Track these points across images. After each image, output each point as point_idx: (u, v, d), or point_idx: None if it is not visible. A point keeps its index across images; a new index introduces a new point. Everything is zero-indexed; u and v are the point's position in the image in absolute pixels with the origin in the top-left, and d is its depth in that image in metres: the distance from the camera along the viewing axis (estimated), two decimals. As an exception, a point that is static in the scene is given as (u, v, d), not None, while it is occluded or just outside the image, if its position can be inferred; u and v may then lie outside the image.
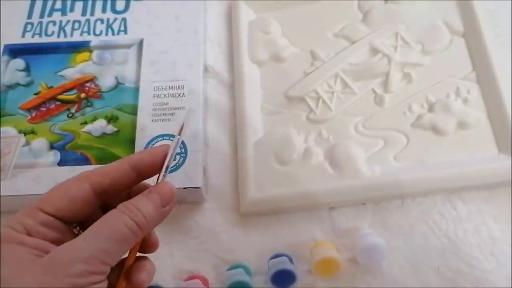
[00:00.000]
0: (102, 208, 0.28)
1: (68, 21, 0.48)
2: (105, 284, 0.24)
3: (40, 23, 0.48)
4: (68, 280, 0.23)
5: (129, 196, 0.27)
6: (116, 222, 0.24)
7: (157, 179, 0.28)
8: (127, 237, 0.25)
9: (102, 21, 0.48)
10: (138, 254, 0.28)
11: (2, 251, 0.23)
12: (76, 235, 0.26)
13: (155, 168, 0.28)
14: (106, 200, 0.27)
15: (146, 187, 0.28)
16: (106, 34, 0.47)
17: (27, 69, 0.46)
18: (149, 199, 0.26)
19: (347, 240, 0.39)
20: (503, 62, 0.42)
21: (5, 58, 0.46)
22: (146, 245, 0.28)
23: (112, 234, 0.24)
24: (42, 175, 0.41)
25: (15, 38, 0.47)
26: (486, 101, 0.42)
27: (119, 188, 0.27)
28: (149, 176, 0.28)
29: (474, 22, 0.44)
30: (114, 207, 0.26)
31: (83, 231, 0.25)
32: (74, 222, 0.27)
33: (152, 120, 0.43)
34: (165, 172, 0.28)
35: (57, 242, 0.24)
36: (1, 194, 0.40)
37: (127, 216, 0.25)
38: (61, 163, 0.41)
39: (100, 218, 0.25)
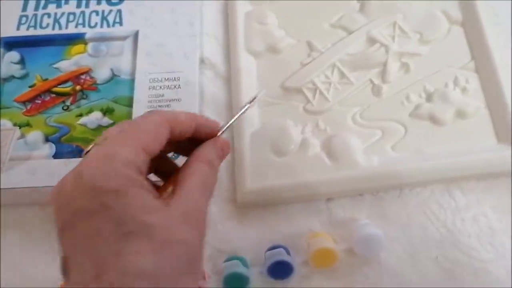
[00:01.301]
0: None
1: (63, 13, 0.48)
2: None
3: (35, 15, 0.48)
4: (202, 234, 0.25)
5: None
6: (210, 175, 0.28)
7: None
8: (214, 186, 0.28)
9: (97, 13, 0.47)
10: None
11: (136, 197, 0.24)
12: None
13: (208, 137, 0.30)
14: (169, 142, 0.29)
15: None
16: (101, 26, 0.47)
17: (22, 61, 0.45)
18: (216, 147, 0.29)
19: (345, 231, 0.39)
20: (502, 51, 0.42)
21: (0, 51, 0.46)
22: None
23: (212, 186, 0.28)
24: (38, 168, 0.40)
25: (10, 31, 0.47)
26: (485, 91, 0.41)
27: (181, 138, 0.29)
28: (201, 140, 0.30)
29: (472, 11, 0.44)
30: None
31: None
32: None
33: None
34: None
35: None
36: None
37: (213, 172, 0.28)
38: (56, 155, 0.41)
39: (192, 170, 0.27)
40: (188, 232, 0.25)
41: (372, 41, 0.45)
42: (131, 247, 0.23)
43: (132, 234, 0.23)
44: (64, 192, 0.24)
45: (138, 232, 0.23)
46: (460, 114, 0.41)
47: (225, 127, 0.31)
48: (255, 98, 0.33)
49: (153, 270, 0.23)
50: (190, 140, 0.29)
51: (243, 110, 0.32)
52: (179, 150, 0.31)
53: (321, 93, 0.43)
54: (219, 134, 0.30)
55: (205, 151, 0.29)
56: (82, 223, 0.24)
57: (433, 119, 0.41)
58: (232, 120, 0.31)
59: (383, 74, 0.43)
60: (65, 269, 0.24)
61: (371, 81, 0.43)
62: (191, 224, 0.25)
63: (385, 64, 0.43)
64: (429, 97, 0.42)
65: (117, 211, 0.23)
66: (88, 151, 0.26)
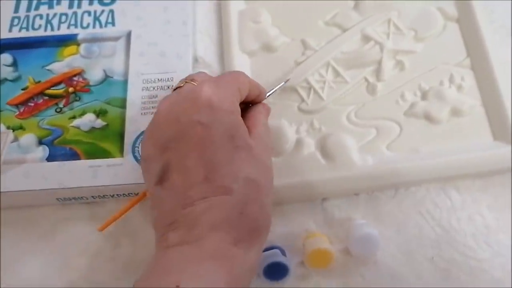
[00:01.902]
0: None
1: (55, 14, 0.47)
2: None
3: (27, 17, 0.47)
4: (271, 161, 0.32)
5: None
6: (266, 123, 0.35)
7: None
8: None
9: (89, 13, 0.47)
10: None
11: (242, 126, 0.30)
12: None
13: (257, 99, 0.36)
14: None
15: None
16: (94, 27, 0.46)
17: (14, 64, 0.45)
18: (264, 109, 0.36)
19: (340, 231, 0.39)
20: (498, 48, 0.41)
21: (-8, 53, 0.45)
22: None
23: (269, 132, 0.34)
24: (31, 171, 0.40)
25: (2, 33, 0.46)
26: (481, 88, 0.41)
27: (245, 99, 0.34)
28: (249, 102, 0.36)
29: (468, 7, 0.43)
30: None
31: None
32: None
33: (142, 114, 0.42)
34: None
35: None
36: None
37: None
38: (49, 158, 0.41)
39: (260, 120, 0.34)
40: (267, 159, 0.31)
41: (366, 39, 0.44)
42: (240, 157, 0.28)
43: (240, 148, 0.28)
44: (177, 107, 0.29)
45: (244, 148, 0.28)
46: (456, 112, 0.40)
47: (272, 91, 0.39)
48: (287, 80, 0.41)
49: (255, 178, 0.28)
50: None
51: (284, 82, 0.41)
52: None
53: (315, 92, 0.43)
54: (267, 95, 0.38)
55: (260, 108, 0.35)
56: (196, 132, 0.28)
57: (429, 118, 0.40)
58: (278, 86, 0.40)
59: (377, 72, 0.43)
60: (163, 177, 0.28)
61: (366, 80, 0.43)
62: (267, 154, 0.31)
63: (379, 62, 0.43)
64: (424, 95, 0.41)
65: (230, 126, 0.28)
66: (179, 86, 0.32)
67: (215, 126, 0.28)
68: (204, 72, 0.34)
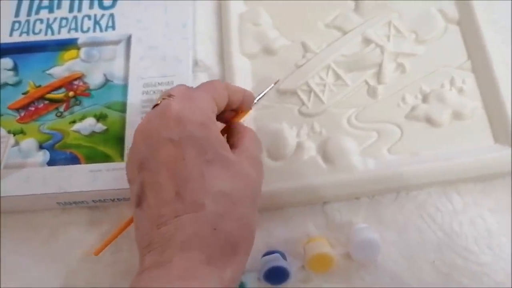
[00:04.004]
0: None
1: (55, 19, 0.47)
2: None
3: (28, 21, 0.47)
4: (262, 177, 0.31)
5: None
6: (256, 134, 0.34)
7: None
8: None
9: (89, 17, 0.47)
10: None
11: (216, 134, 0.29)
12: None
13: (244, 108, 0.35)
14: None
15: None
16: (94, 31, 0.46)
17: (15, 68, 0.45)
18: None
19: (341, 235, 0.39)
20: (499, 50, 0.41)
21: (-8, 58, 0.46)
22: None
23: (260, 143, 0.34)
24: (32, 175, 0.40)
25: (2, 37, 0.46)
26: (482, 91, 0.41)
27: (229, 106, 0.33)
28: (237, 109, 0.35)
29: (469, 9, 0.43)
30: None
31: None
32: None
33: (142, 118, 0.42)
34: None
35: None
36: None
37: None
38: (50, 162, 0.41)
39: (249, 131, 0.33)
40: (253, 170, 0.29)
41: (367, 41, 0.44)
42: (212, 172, 0.27)
43: (213, 162, 0.27)
44: (149, 125, 0.29)
45: (218, 161, 0.27)
46: (457, 115, 0.40)
47: (259, 96, 0.37)
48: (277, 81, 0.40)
49: (229, 191, 0.27)
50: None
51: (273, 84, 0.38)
52: (219, 119, 0.34)
53: (316, 95, 0.43)
54: (255, 101, 0.36)
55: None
56: (167, 149, 0.27)
57: (430, 121, 0.40)
58: (267, 90, 0.38)
59: (378, 75, 0.43)
60: (140, 198, 0.28)
61: (367, 82, 0.43)
62: (253, 165, 0.30)
63: (380, 65, 0.43)
64: (425, 98, 0.41)
65: (201, 140, 0.27)
66: (157, 104, 0.30)
67: (184, 142, 0.27)
68: (182, 85, 0.32)
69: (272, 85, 0.39)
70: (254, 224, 0.28)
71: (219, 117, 0.34)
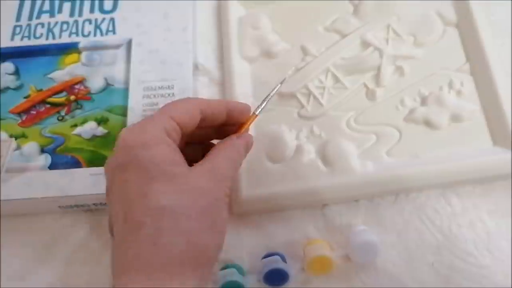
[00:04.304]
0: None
1: (56, 23, 0.48)
2: None
3: (29, 25, 0.48)
4: (226, 190, 0.28)
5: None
6: (237, 157, 0.31)
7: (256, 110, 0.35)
8: (238, 169, 0.32)
9: (90, 21, 0.47)
10: None
11: (161, 151, 0.28)
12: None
13: (238, 119, 0.33)
14: (200, 125, 0.32)
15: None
16: (95, 35, 0.47)
17: (16, 72, 0.46)
18: (243, 147, 0.32)
19: (341, 237, 0.39)
20: (497, 52, 0.41)
21: (-6, 62, 0.46)
22: None
23: (237, 165, 0.31)
24: (34, 179, 0.41)
25: (4, 41, 0.47)
26: (480, 93, 0.41)
27: (212, 121, 0.32)
28: (235, 122, 0.33)
29: (467, 12, 0.43)
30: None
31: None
32: (182, 134, 0.31)
33: (142, 121, 0.42)
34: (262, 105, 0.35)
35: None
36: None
37: (237, 155, 0.32)
38: (52, 166, 0.41)
39: (222, 148, 0.31)
40: (208, 183, 0.28)
41: (366, 44, 0.44)
42: (156, 189, 0.26)
43: (156, 179, 0.26)
44: (109, 158, 0.29)
45: (162, 178, 0.26)
46: (455, 117, 0.40)
47: (261, 108, 0.34)
48: (285, 79, 0.36)
49: (173, 206, 0.26)
50: (226, 125, 0.33)
51: (275, 90, 0.35)
52: (221, 136, 0.33)
53: (315, 98, 0.43)
54: (257, 112, 0.34)
55: (230, 140, 0.32)
56: (118, 176, 0.27)
57: (428, 123, 0.40)
58: (266, 101, 0.35)
59: (377, 78, 0.43)
60: (111, 229, 0.28)
61: (365, 85, 0.43)
62: (212, 179, 0.28)
63: (379, 68, 0.43)
64: (423, 101, 0.41)
65: (143, 161, 0.27)
66: None
67: (129, 165, 0.27)
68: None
69: (279, 85, 0.36)
70: (204, 238, 0.26)
71: (220, 131, 0.34)
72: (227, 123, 0.33)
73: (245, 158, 0.33)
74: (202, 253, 0.26)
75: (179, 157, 0.28)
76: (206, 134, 0.35)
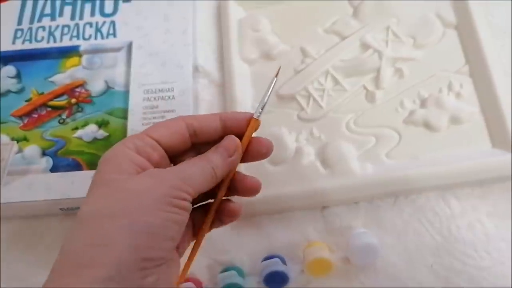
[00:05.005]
0: (195, 152, 0.31)
1: (57, 26, 0.48)
2: (187, 215, 0.27)
3: (30, 29, 0.48)
4: (166, 189, 0.26)
5: None
6: (201, 162, 0.29)
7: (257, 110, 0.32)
8: (207, 174, 0.29)
9: (91, 24, 0.48)
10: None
11: (115, 164, 0.28)
12: (168, 165, 0.30)
13: (240, 129, 0.31)
14: (197, 142, 0.31)
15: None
16: (95, 38, 0.47)
17: (18, 76, 0.46)
18: (217, 152, 0.30)
19: (341, 239, 0.39)
20: (497, 54, 0.41)
21: (-4, 65, 0.46)
22: (244, 188, 0.32)
23: (198, 169, 0.29)
24: (35, 182, 0.41)
25: (5, 45, 0.47)
26: (480, 95, 0.41)
27: (207, 135, 0.30)
28: (233, 133, 0.31)
29: (466, 14, 0.43)
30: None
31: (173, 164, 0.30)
32: (170, 153, 0.30)
33: (143, 124, 0.43)
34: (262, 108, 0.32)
35: (157, 165, 0.29)
36: (-4, 202, 0.40)
37: (206, 161, 0.29)
38: (53, 169, 0.41)
39: (194, 157, 0.30)
40: (145, 184, 0.26)
41: (365, 46, 0.44)
42: (90, 195, 0.27)
43: (96, 186, 0.27)
44: None
45: (100, 185, 0.27)
46: (455, 119, 0.40)
47: (259, 110, 0.31)
48: (279, 70, 0.33)
49: (93, 210, 0.26)
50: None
51: (269, 92, 0.32)
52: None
53: (314, 100, 0.43)
54: (255, 116, 0.31)
55: (213, 155, 0.30)
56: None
57: (427, 125, 0.40)
58: (265, 102, 0.32)
59: (376, 80, 0.43)
60: None
61: (365, 88, 0.43)
62: (153, 180, 0.27)
63: (378, 70, 0.43)
64: (423, 103, 0.41)
65: (97, 172, 0.28)
66: None
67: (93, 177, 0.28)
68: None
69: (275, 78, 0.33)
70: (114, 239, 0.25)
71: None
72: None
73: (238, 162, 0.31)
74: (103, 254, 0.24)
75: (129, 166, 0.27)
76: None
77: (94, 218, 0.25)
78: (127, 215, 0.25)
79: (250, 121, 0.31)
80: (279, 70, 0.33)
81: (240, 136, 0.31)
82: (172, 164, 0.31)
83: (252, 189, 0.32)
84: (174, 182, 0.27)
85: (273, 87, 0.32)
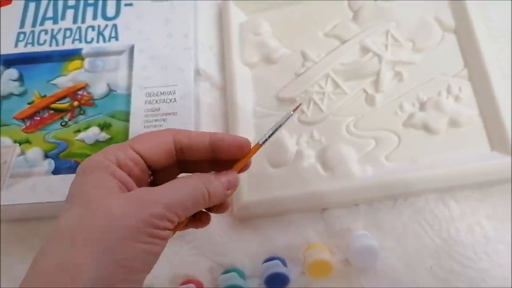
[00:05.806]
0: (179, 169, 0.31)
1: (59, 29, 0.48)
2: (165, 244, 0.27)
3: (32, 32, 0.48)
4: (147, 218, 0.25)
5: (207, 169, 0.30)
6: (195, 185, 0.28)
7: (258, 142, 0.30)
8: (199, 200, 0.28)
9: (93, 28, 0.48)
10: None
11: (96, 176, 0.27)
12: (150, 181, 0.30)
13: (230, 153, 0.30)
14: (182, 159, 0.30)
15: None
16: (98, 41, 0.47)
17: (20, 78, 0.46)
18: (219, 179, 0.29)
19: (341, 241, 0.39)
20: (495, 58, 0.42)
21: (-1, 68, 0.47)
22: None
23: (190, 193, 0.27)
24: (37, 184, 0.41)
25: (8, 48, 0.48)
26: (478, 99, 0.41)
27: (194, 153, 0.29)
28: (223, 156, 0.30)
29: (465, 18, 0.44)
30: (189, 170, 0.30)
31: (155, 180, 0.30)
32: (153, 168, 0.29)
33: (145, 127, 0.43)
34: (267, 138, 0.30)
35: (138, 180, 0.28)
36: (-1, 204, 0.40)
37: (203, 184, 0.28)
38: (55, 171, 0.42)
39: (182, 177, 0.28)
40: (123, 209, 0.25)
41: (365, 50, 0.45)
42: (65, 210, 0.26)
43: (71, 201, 0.26)
44: None
45: (77, 200, 0.26)
46: (454, 122, 0.40)
47: (266, 139, 0.30)
48: (298, 107, 0.33)
49: (69, 227, 0.25)
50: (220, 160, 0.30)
51: (284, 120, 0.31)
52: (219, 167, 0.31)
53: (315, 103, 0.44)
54: (261, 142, 0.30)
55: (215, 181, 0.29)
56: None
57: (427, 128, 0.41)
58: (274, 131, 0.31)
59: (376, 84, 0.43)
60: None
61: (365, 91, 0.43)
62: (132, 205, 0.25)
63: (378, 73, 0.43)
64: (422, 106, 0.42)
65: (72, 186, 0.27)
66: None
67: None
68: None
69: (292, 113, 0.32)
70: (81, 260, 0.24)
71: (220, 166, 0.30)
72: (219, 158, 0.30)
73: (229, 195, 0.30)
74: (70, 281, 0.24)
75: (109, 181, 0.26)
76: (204, 169, 0.30)
77: (69, 238, 0.25)
78: (102, 242, 0.24)
79: (255, 147, 0.30)
80: (298, 106, 0.33)
81: (229, 159, 0.30)
82: (152, 177, 0.30)
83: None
84: (157, 211, 0.25)
85: (286, 121, 0.31)
